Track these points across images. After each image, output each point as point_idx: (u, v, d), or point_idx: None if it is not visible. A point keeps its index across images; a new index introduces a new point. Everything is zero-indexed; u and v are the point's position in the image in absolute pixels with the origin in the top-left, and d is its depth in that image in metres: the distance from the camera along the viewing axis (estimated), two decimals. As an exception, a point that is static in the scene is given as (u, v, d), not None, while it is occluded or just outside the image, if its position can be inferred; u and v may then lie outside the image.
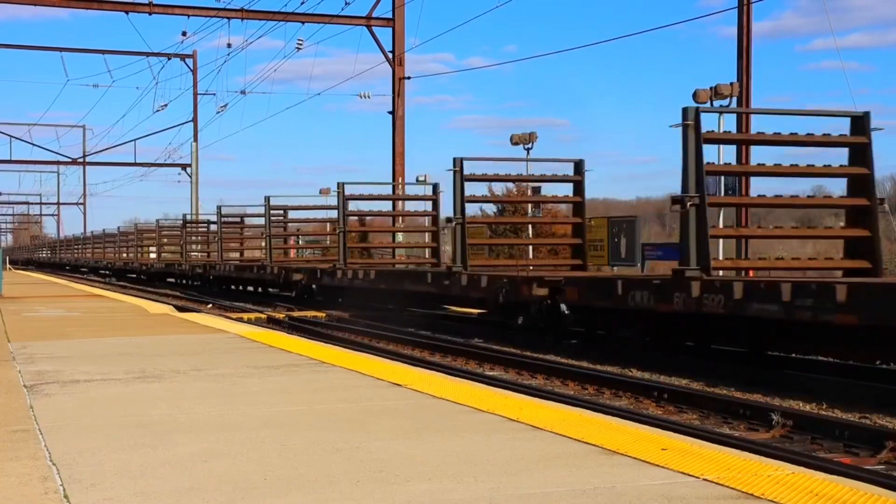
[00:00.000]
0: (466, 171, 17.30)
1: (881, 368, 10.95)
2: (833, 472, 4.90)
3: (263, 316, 21.67)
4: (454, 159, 17.12)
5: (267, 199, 28.55)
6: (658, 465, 4.32)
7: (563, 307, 14.21)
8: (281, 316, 21.29)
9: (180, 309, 19.39)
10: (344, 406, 6.06)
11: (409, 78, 33.00)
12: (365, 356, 9.38)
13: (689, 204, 11.91)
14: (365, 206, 25.42)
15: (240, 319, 17.30)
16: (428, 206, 23.73)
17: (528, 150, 27.42)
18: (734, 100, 20.69)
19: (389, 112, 32.99)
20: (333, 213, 31.56)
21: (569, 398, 9.86)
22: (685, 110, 12.15)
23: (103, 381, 7.22)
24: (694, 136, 12.04)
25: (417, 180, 29.65)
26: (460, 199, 17.21)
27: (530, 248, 25.14)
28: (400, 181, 31.42)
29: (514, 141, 27.72)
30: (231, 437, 5.04)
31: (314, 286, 24.09)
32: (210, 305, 26.06)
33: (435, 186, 23.41)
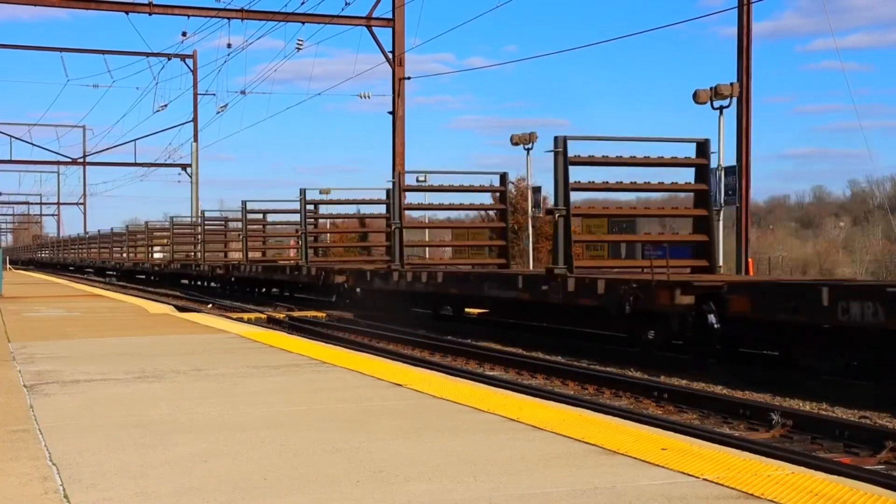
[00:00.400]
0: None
1: (881, 368, 10.94)
2: (833, 472, 4.91)
3: (263, 316, 21.68)
4: (556, 138, 14.52)
5: (303, 191, 25.95)
6: (658, 465, 4.33)
7: (713, 319, 11.52)
8: (281, 316, 21.30)
9: (180, 309, 19.40)
10: (344, 406, 6.07)
11: (409, 78, 32.99)
12: (365, 356, 9.38)
13: None
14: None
15: (240, 319, 17.31)
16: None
17: (528, 150, 27.44)
18: (734, 100, 20.70)
19: (389, 112, 32.99)
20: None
21: (569, 398, 9.86)
22: None
23: (103, 381, 7.22)
24: None
25: (417, 180, 29.59)
26: (563, 187, 14.53)
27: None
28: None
29: (514, 141, 27.74)
30: (231, 438, 5.04)
31: (358, 289, 21.46)
32: (210, 305, 26.08)
33: (503, 176, 20.56)
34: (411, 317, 19.26)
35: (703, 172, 15.33)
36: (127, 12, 32.49)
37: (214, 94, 48.32)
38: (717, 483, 4.01)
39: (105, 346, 10.19)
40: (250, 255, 32.57)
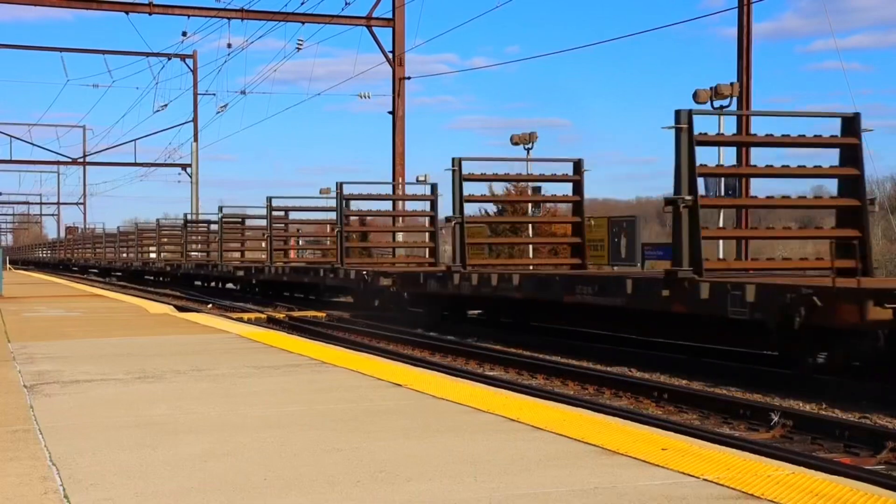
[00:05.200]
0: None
1: (881, 368, 10.93)
2: (833, 472, 4.90)
3: (263, 316, 21.67)
4: (677, 112, 11.84)
5: (339, 185, 23.33)
6: (658, 465, 4.33)
7: None
8: (281, 316, 21.30)
9: (180, 309, 19.40)
10: (344, 406, 6.06)
11: (409, 78, 33.00)
12: (365, 356, 9.38)
13: None
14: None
15: (240, 319, 17.30)
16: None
17: (528, 150, 27.43)
18: (734, 100, 20.70)
19: (390, 112, 32.99)
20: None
21: (569, 398, 9.86)
22: None
23: (103, 382, 7.22)
24: None
25: (417, 180, 29.58)
26: (688, 171, 11.88)
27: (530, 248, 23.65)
28: (400, 181, 31.38)
29: (514, 141, 27.70)
30: (231, 438, 5.04)
31: (406, 294, 19.29)
32: (210, 305, 26.06)
33: (577, 164, 17.79)
34: (409, 316, 19.01)
35: (851, 154, 12.72)
36: (127, 12, 32.51)
37: (214, 95, 48.28)
38: (717, 483, 4.01)
39: (105, 346, 10.19)
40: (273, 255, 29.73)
